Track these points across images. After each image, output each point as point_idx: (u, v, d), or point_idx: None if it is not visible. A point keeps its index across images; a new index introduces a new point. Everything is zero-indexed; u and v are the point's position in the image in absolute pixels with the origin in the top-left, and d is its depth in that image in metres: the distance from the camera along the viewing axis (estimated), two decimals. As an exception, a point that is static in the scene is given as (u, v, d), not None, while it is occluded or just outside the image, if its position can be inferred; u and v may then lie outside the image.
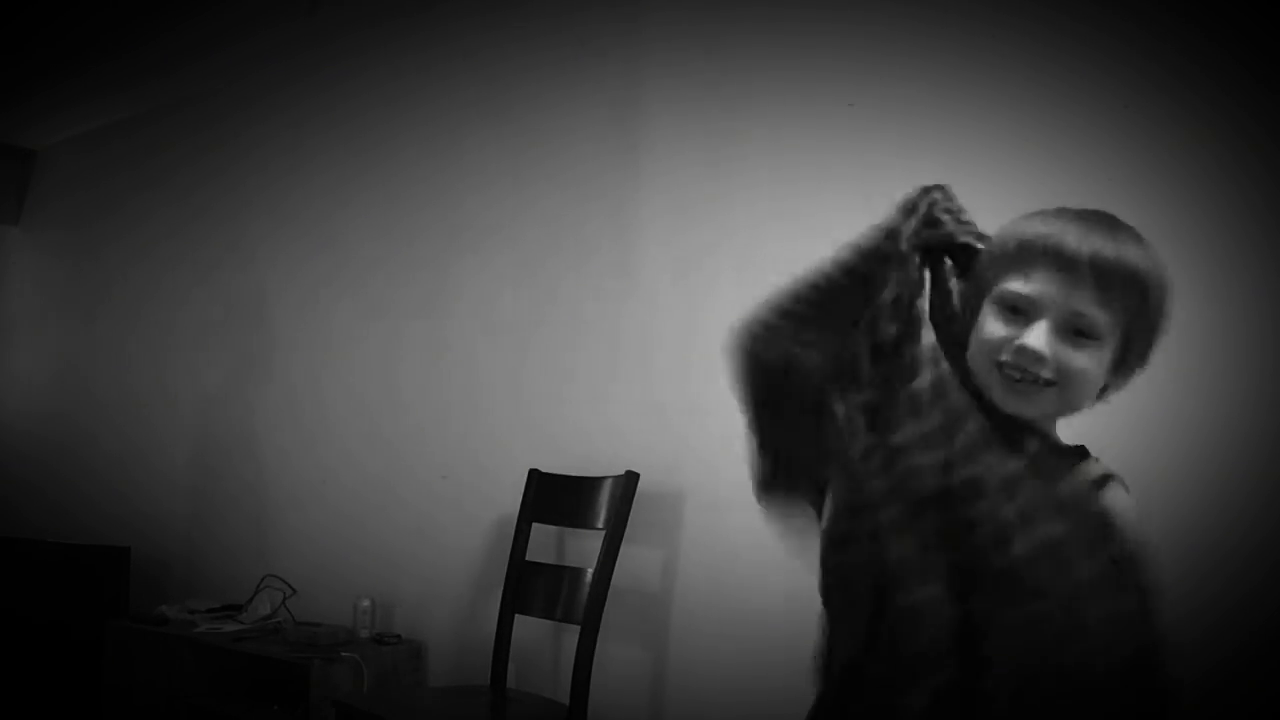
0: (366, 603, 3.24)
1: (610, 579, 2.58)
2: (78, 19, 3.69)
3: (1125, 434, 1.53)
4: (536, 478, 2.90)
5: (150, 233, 4.51)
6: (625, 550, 2.59)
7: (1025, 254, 1.15)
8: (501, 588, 2.85)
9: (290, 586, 3.43)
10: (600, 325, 2.93)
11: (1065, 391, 1.14)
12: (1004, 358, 1.14)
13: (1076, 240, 1.13)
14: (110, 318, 4.67)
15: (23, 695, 3.80)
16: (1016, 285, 1.14)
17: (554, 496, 2.86)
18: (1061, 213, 1.18)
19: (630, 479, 2.64)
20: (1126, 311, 1.13)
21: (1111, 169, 2.04)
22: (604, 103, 2.97)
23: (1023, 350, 1.13)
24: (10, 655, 3.85)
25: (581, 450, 2.86)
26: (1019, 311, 1.14)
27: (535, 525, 2.87)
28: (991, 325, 1.15)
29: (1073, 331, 1.13)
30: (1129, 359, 1.18)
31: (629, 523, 2.61)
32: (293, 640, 3.15)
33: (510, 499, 2.90)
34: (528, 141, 3.15)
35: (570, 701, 2.52)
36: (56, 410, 4.88)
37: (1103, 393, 1.20)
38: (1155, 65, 2.05)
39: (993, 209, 1.26)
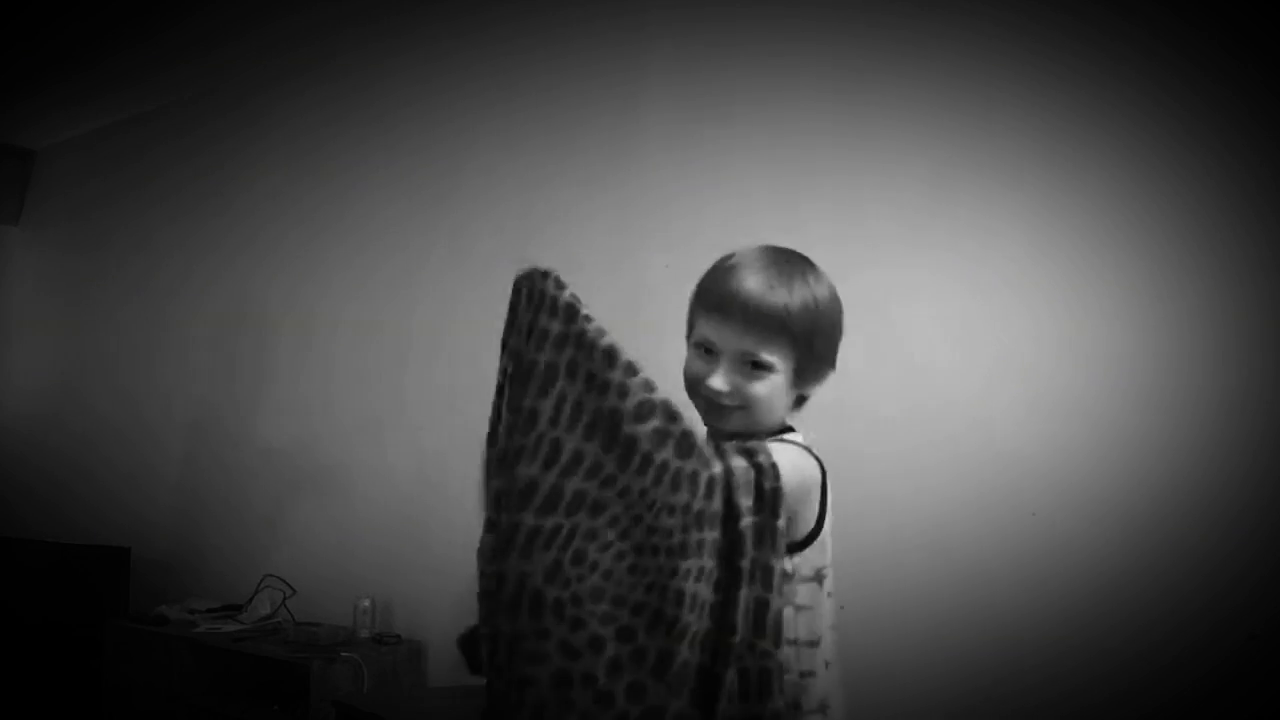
0: (366, 603, 3.24)
1: (610, 579, 2.58)
2: (77, 18, 3.70)
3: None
4: (536, 478, 2.89)
5: (150, 232, 4.51)
6: (625, 550, 2.59)
7: (707, 301, 1.42)
8: (501, 588, 2.84)
9: (290, 586, 3.43)
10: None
11: (752, 413, 1.39)
12: (702, 390, 1.41)
13: (742, 291, 1.38)
14: (110, 317, 4.67)
15: (23, 695, 3.80)
16: (704, 330, 1.42)
17: (554, 496, 2.85)
18: (743, 257, 1.43)
19: (630, 479, 2.63)
20: (789, 346, 1.37)
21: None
22: (606, 108, 2.97)
23: (709, 388, 1.40)
24: (10, 655, 3.85)
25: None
26: (710, 351, 1.41)
27: (535, 525, 2.87)
28: (693, 364, 1.43)
29: (749, 365, 1.38)
30: (806, 375, 1.41)
31: (629, 523, 2.60)
32: (293, 640, 3.15)
33: (510, 499, 2.89)
34: (530, 143, 3.15)
35: (570, 701, 2.51)
36: (56, 410, 4.87)
37: (800, 402, 1.45)
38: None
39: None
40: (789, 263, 1.42)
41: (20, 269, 5.24)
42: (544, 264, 1.17)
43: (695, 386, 1.42)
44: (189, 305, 4.26)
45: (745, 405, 1.39)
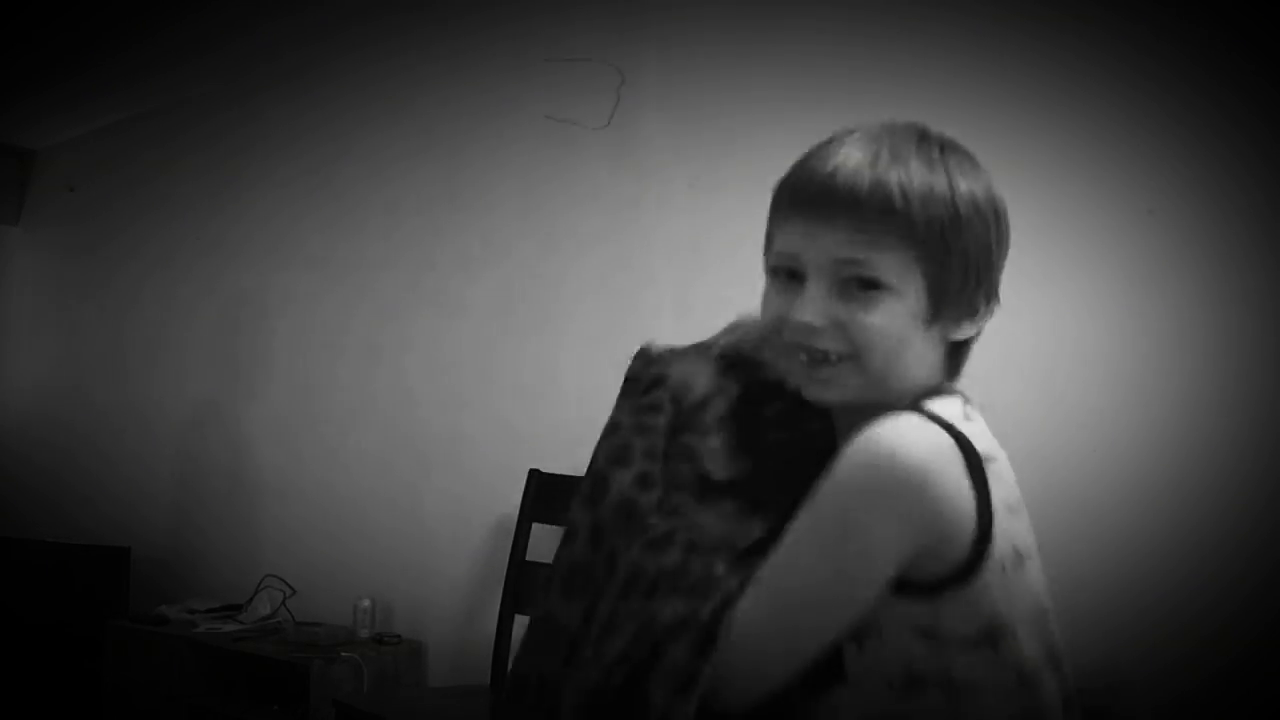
0: (366, 603, 3.23)
1: (610, 579, 2.58)
2: (76, 19, 3.69)
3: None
4: (536, 478, 2.90)
5: (151, 233, 4.51)
6: (625, 550, 2.59)
7: (786, 195, 0.93)
8: (501, 588, 2.85)
9: (290, 586, 3.43)
10: (601, 325, 2.93)
11: (867, 364, 0.91)
12: (787, 334, 0.92)
13: (839, 170, 0.89)
14: (110, 318, 4.66)
15: (23, 695, 3.80)
16: (783, 241, 0.93)
17: (554, 496, 2.85)
18: (850, 131, 0.93)
19: (630, 479, 2.63)
20: (911, 248, 0.89)
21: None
22: (605, 104, 2.97)
23: (792, 326, 0.91)
24: (10, 655, 3.85)
25: (581, 450, 2.84)
26: (792, 275, 0.92)
27: (535, 525, 2.87)
28: (770, 301, 0.95)
29: (854, 286, 0.90)
30: (950, 301, 0.93)
31: (629, 523, 2.60)
32: (293, 640, 3.15)
33: (510, 499, 2.90)
34: (529, 145, 3.14)
35: (570, 701, 2.51)
36: (56, 410, 4.87)
37: (957, 353, 0.99)
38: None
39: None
40: (914, 135, 0.92)
41: (20, 269, 5.24)
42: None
43: (779, 332, 0.93)
44: (188, 304, 4.26)
45: (856, 352, 0.90)
